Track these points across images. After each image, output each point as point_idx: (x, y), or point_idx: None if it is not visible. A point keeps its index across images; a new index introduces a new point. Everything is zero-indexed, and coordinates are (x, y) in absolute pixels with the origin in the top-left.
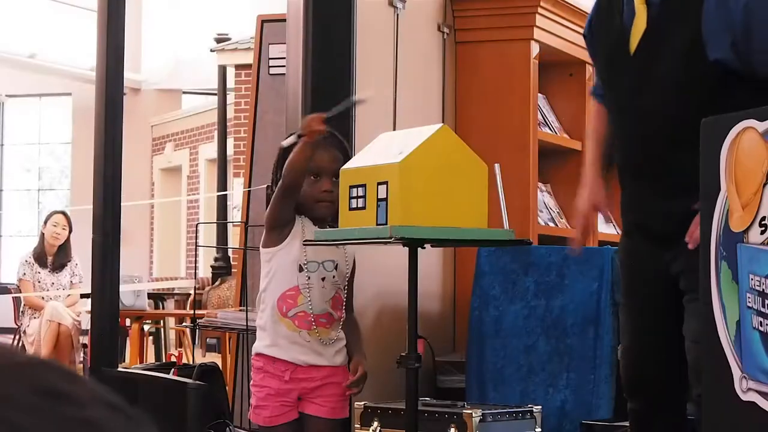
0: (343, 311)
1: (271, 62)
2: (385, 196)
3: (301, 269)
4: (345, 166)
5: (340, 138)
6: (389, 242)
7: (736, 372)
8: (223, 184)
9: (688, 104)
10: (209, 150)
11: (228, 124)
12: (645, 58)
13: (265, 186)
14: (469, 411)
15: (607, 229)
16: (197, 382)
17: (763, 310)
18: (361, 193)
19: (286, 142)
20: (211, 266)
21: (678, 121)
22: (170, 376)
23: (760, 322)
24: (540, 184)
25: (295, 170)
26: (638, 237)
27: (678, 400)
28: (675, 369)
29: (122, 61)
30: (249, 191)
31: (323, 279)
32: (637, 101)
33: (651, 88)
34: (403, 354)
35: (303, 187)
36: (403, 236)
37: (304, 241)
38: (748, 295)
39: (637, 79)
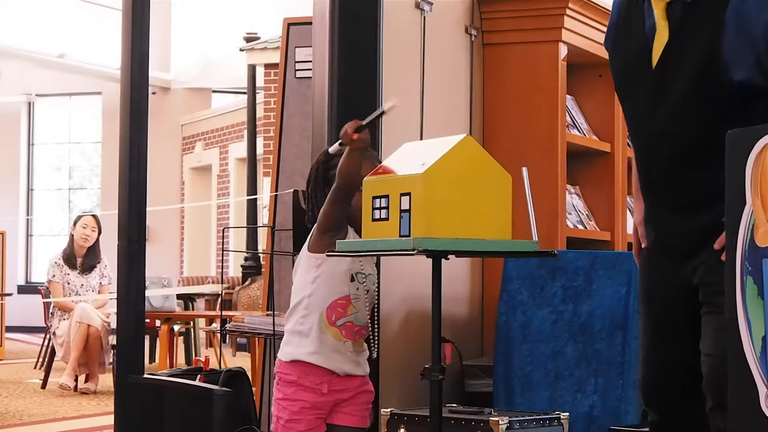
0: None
1: (297, 65)
2: (408, 208)
3: (352, 279)
4: (368, 177)
5: (372, 150)
6: (412, 254)
7: (762, 388)
8: (252, 184)
9: (704, 122)
10: (239, 149)
11: (257, 123)
12: (665, 72)
13: (293, 190)
14: (496, 418)
15: None
16: (223, 388)
17: None
18: (384, 204)
19: (332, 149)
20: (241, 266)
21: (693, 139)
22: (196, 382)
23: None
24: (568, 186)
25: (348, 174)
26: (659, 251)
27: (695, 412)
28: (690, 381)
29: (147, 67)
30: (276, 195)
31: (367, 291)
32: (654, 115)
33: (668, 103)
34: (427, 366)
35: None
36: (426, 248)
37: (327, 252)
38: None
39: (656, 93)
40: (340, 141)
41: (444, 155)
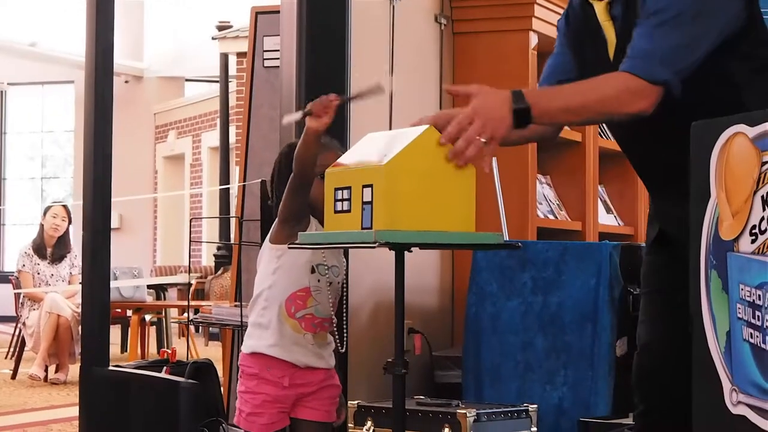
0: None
1: (266, 54)
2: (370, 199)
3: (313, 271)
4: (330, 168)
5: (336, 141)
6: (374, 247)
7: (726, 384)
8: (225, 173)
9: (670, 109)
10: (212, 138)
11: (230, 111)
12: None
13: (260, 180)
14: (464, 411)
15: (608, 220)
16: (189, 380)
17: (753, 321)
18: (346, 196)
19: (290, 118)
20: (214, 255)
21: (662, 127)
22: (162, 374)
23: (751, 333)
24: (539, 176)
25: (303, 161)
26: (665, 243)
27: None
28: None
29: (111, 58)
30: (244, 186)
31: (330, 284)
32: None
33: None
34: (390, 360)
35: (313, 189)
36: (389, 241)
37: (289, 245)
38: (738, 305)
39: None
40: (305, 111)
41: (407, 146)
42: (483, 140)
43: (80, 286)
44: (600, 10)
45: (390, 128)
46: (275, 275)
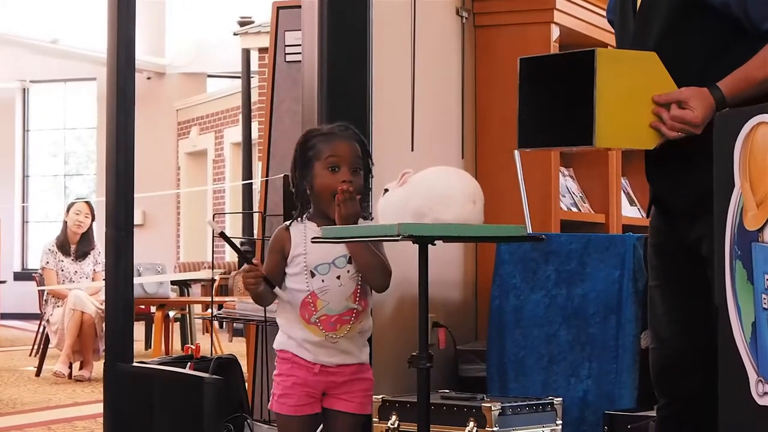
0: (368, 300)
1: (287, 49)
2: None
3: (313, 275)
4: None
5: (355, 130)
6: (398, 239)
7: (752, 375)
8: (248, 168)
9: (685, 61)
10: (234, 133)
11: (252, 107)
12: (644, 19)
13: (283, 175)
14: (488, 404)
15: (631, 212)
16: (213, 376)
17: None
18: None
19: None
20: None
21: (676, 81)
22: (186, 370)
23: None
24: (562, 169)
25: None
26: (659, 210)
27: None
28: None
29: (133, 54)
30: (267, 180)
31: (338, 277)
32: None
33: (648, 50)
34: (414, 354)
35: (320, 180)
36: (412, 234)
37: (312, 239)
38: (763, 296)
39: (638, 43)
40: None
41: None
42: (679, 133)
43: (104, 282)
44: None
45: (412, 122)
46: (285, 291)
